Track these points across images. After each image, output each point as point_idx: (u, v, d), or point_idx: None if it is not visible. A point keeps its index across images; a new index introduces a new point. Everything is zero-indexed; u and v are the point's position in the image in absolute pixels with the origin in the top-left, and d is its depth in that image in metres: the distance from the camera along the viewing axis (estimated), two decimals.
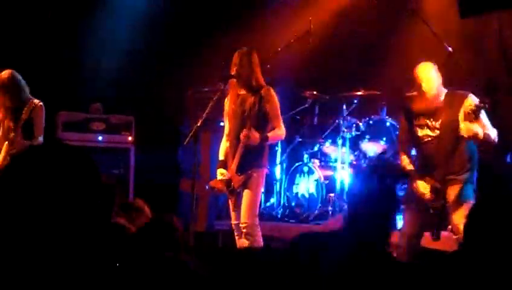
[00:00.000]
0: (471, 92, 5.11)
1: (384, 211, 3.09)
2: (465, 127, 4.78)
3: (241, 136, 5.40)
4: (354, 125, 7.62)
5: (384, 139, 7.42)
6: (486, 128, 4.92)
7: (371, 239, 3.01)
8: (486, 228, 2.77)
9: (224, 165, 5.62)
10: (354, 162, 7.66)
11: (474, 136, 4.80)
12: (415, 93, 5.12)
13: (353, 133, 7.62)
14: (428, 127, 5.08)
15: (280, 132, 5.58)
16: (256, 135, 5.40)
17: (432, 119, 5.07)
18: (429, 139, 5.08)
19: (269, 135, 5.50)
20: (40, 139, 6.06)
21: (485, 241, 2.75)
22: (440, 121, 5.03)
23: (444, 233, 5.20)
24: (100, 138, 7.78)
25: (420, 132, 5.12)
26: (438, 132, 5.04)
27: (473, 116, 4.74)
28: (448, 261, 2.94)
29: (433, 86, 5.02)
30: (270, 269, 2.58)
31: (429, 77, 5.03)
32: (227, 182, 5.54)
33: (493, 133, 4.96)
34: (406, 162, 5.26)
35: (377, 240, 3.03)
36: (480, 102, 4.79)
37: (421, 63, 5.11)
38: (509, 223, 2.74)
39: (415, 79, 5.07)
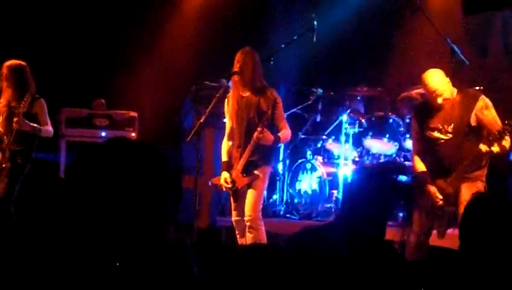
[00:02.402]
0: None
1: (381, 205, 3.11)
2: (484, 149, 4.75)
3: (255, 136, 5.39)
4: (357, 122, 7.62)
5: (387, 136, 7.40)
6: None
7: (365, 229, 3.04)
8: (479, 226, 2.84)
9: (229, 166, 5.60)
10: (357, 159, 7.66)
11: (492, 152, 4.79)
12: (420, 92, 5.12)
13: (356, 130, 7.61)
14: (440, 131, 5.05)
15: (288, 132, 5.63)
16: (270, 135, 5.42)
17: (443, 123, 5.04)
18: (442, 142, 5.05)
19: (280, 135, 5.53)
20: (50, 128, 6.11)
21: (479, 239, 2.81)
22: (452, 125, 5.00)
23: (450, 231, 5.20)
24: (103, 133, 7.79)
25: (432, 135, 5.09)
26: (450, 135, 5.02)
27: (498, 137, 4.71)
28: (444, 259, 2.98)
29: (443, 90, 4.98)
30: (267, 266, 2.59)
31: (438, 83, 4.99)
32: (231, 186, 5.55)
33: (507, 142, 4.93)
34: (417, 163, 5.24)
35: (371, 230, 3.05)
36: (507, 124, 4.74)
37: (428, 71, 5.07)
38: (501, 221, 2.82)
39: (424, 86, 5.06)
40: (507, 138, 4.82)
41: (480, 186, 4.99)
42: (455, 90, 5.06)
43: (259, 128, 5.36)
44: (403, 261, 3.15)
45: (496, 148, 4.75)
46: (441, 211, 5.00)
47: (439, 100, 4.99)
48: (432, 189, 5.02)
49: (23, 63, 6.11)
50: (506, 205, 2.90)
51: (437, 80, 5.00)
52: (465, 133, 4.91)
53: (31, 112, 6.02)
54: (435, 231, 5.15)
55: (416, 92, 6.91)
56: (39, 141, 6.15)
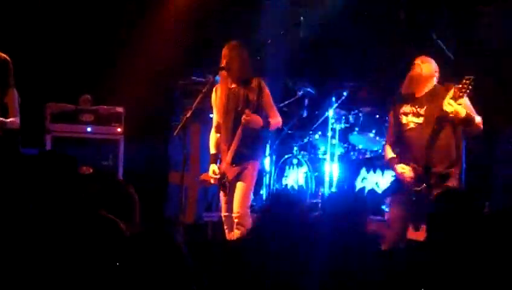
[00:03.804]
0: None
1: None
2: (447, 102, 4.81)
3: (243, 119, 5.38)
4: (344, 117, 7.64)
5: (374, 131, 7.43)
6: (470, 111, 4.97)
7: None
8: (444, 219, 2.94)
9: (216, 158, 5.61)
10: (343, 155, 7.68)
11: (456, 112, 4.84)
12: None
13: (342, 126, 7.63)
14: (413, 114, 5.14)
15: (278, 118, 5.63)
16: (258, 118, 5.42)
17: (417, 106, 5.14)
18: (413, 126, 5.13)
19: (270, 120, 5.52)
20: (16, 120, 5.96)
21: (444, 231, 2.90)
22: (425, 107, 5.08)
23: None
24: (89, 129, 7.74)
25: (405, 119, 5.19)
26: (422, 119, 5.08)
27: (460, 92, 4.78)
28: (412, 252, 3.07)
29: (428, 67, 5.15)
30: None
31: (428, 60, 5.19)
32: (220, 178, 5.54)
33: (477, 118, 5.00)
34: (388, 151, 5.34)
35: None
36: (465, 79, 4.80)
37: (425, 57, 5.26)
38: (463, 214, 2.97)
39: (413, 60, 5.20)
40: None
41: (453, 182, 5.02)
42: (433, 83, 5.18)
43: (246, 111, 5.35)
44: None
45: (461, 111, 4.81)
46: (416, 193, 5.00)
47: (419, 73, 5.12)
48: (400, 167, 5.07)
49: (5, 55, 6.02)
50: (469, 199, 2.99)
51: (427, 58, 5.21)
52: (438, 120, 4.94)
53: (3, 102, 5.89)
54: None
55: None
56: (23, 136, 6.08)
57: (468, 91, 4.80)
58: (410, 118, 5.15)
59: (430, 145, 4.95)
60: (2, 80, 5.91)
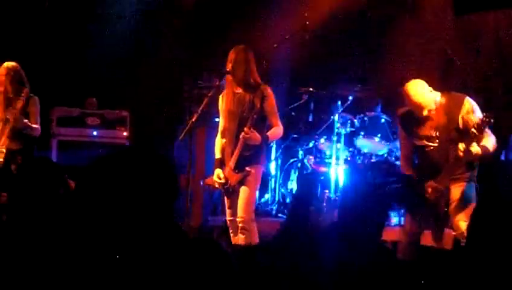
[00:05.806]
0: (466, 92, 5.10)
1: (375, 206, 3.14)
2: (463, 149, 4.75)
3: (242, 136, 5.39)
4: (349, 121, 7.63)
5: (379, 135, 7.42)
6: (485, 136, 4.87)
7: (361, 232, 3.07)
8: (488, 229, 2.87)
9: (221, 163, 5.61)
10: (349, 159, 7.67)
11: (474, 158, 4.81)
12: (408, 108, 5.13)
13: (348, 130, 7.63)
14: (427, 138, 5.04)
15: (279, 129, 5.60)
16: (257, 135, 5.40)
17: (429, 130, 5.03)
18: (430, 149, 5.04)
19: (269, 134, 5.51)
20: (38, 127, 6.09)
21: (487, 241, 2.84)
22: (439, 131, 4.98)
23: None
24: (95, 133, 7.77)
25: (420, 142, 5.08)
26: (437, 141, 5.00)
27: (477, 132, 4.66)
28: (449, 259, 3.02)
29: (426, 102, 4.93)
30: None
31: (421, 95, 4.94)
32: (224, 183, 5.54)
33: (491, 142, 4.90)
34: (406, 167, 5.28)
35: (367, 233, 3.09)
36: (485, 117, 4.66)
37: (409, 83, 5.02)
38: (509, 224, 2.84)
39: (408, 99, 4.99)
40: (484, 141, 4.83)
41: (471, 187, 5.00)
42: (438, 95, 5.02)
43: (245, 129, 5.35)
44: (396, 262, 3.19)
45: (474, 149, 4.74)
46: (436, 213, 5.01)
47: (424, 112, 4.96)
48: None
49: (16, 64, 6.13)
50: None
51: (420, 92, 4.96)
52: (453, 138, 4.88)
53: (26, 110, 6.02)
54: (426, 231, 5.18)
55: None
56: None
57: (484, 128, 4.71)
58: (425, 141, 5.04)
59: (450, 168, 4.92)
60: (21, 89, 6.03)
